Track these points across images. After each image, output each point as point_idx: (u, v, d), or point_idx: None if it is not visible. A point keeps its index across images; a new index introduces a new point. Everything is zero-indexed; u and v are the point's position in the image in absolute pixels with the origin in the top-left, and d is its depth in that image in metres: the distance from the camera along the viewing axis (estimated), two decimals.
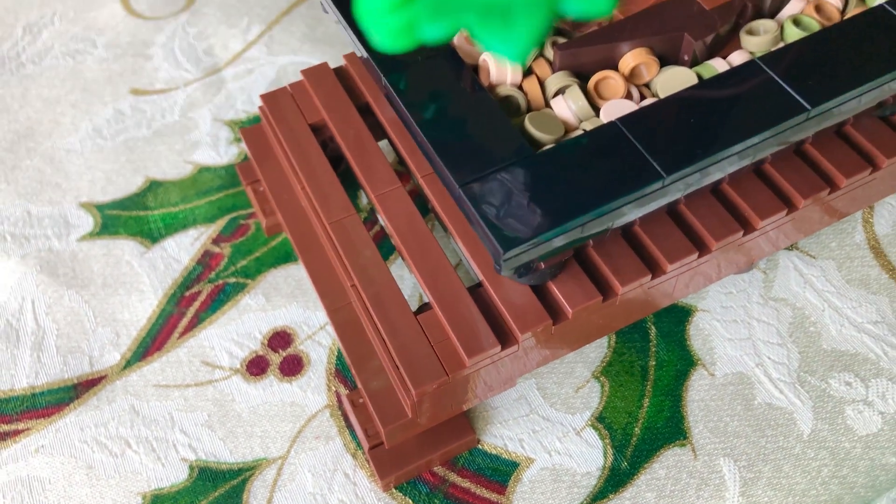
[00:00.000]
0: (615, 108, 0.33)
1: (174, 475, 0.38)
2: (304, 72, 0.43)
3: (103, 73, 0.54)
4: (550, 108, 0.34)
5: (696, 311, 0.42)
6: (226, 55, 0.54)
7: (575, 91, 0.33)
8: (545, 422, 0.39)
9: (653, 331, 0.42)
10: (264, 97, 0.43)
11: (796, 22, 0.35)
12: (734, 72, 0.33)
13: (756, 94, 0.32)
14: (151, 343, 0.42)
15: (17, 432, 0.39)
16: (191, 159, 0.49)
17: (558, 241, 0.30)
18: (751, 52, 0.35)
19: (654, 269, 0.36)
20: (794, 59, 0.33)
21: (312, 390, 0.40)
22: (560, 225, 0.30)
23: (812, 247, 0.44)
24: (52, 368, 0.41)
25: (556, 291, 0.35)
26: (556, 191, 0.30)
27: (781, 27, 0.35)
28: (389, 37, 0.16)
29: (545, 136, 0.32)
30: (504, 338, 0.35)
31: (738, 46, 0.35)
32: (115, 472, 0.38)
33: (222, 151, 0.49)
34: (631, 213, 0.32)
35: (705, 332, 0.41)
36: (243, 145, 0.49)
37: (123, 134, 0.51)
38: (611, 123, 0.31)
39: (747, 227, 0.37)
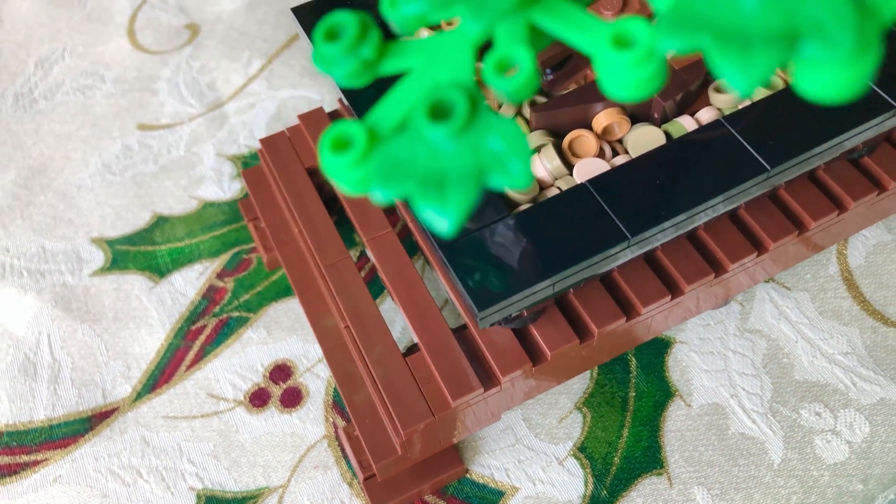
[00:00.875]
0: (587, 168, 0.35)
1: (183, 503, 0.41)
2: (300, 116, 0.45)
3: (112, 108, 0.57)
4: None
5: (675, 342, 0.44)
6: (228, 89, 0.57)
7: (549, 150, 0.35)
8: (530, 451, 0.41)
9: (633, 362, 0.44)
10: (263, 142, 0.45)
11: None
12: (699, 131, 0.35)
13: (719, 153, 0.34)
14: (160, 376, 0.45)
15: (36, 462, 0.42)
16: (196, 194, 0.52)
17: (532, 299, 0.33)
18: (718, 109, 0.37)
19: (629, 312, 0.38)
20: (756, 117, 0.35)
21: (311, 421, 0.43)
22: (532, 285, 0.32)
23: (788, 278, 0.46)
24: (67, 401, 0.44)
25: (536, 334, 0.38)
26: (529, 251, 0.33)
27: None
28: (350, 187, 0.18)
29: (521, 197, 0.34)
30: (487, 379, 0.37)
31: (707, 102, 0.37)
32: (127, 500, 0.41)
33: (226, 187, 0.52)
34: (603, 268, 0.34)
35: (683, 364, 0.44)
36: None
37: (131, 169, 0.53)
38: (581, 185, 0.33)
39: (718, 270, 0.39)
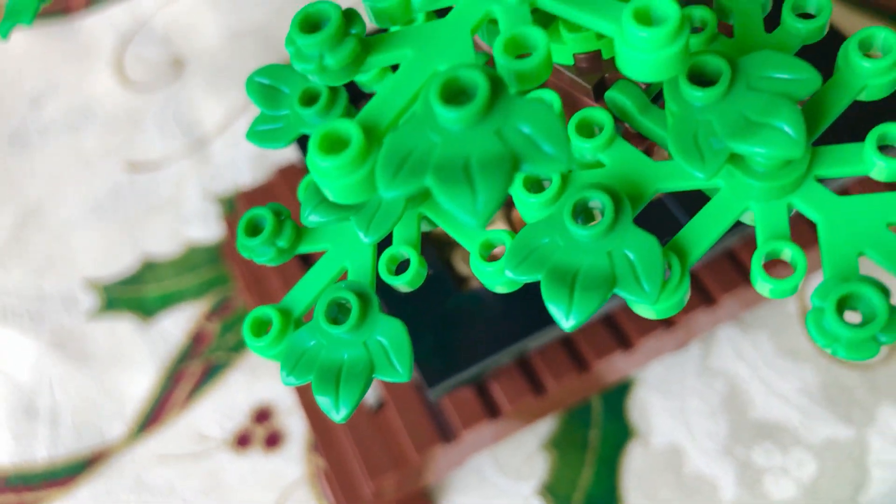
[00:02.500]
0: None
1: None
2: (279, 171, 0.47)
3: (102, 146, 0.59)
4: None
5: (636, 383, 0.46)
6: (213, 127, 0.59)
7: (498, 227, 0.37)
8: (497, 490, 0.44)
9: (596, 402, 0.46)
10: (240, 198, 0.47)
11: None
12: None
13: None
14: (152, 416, 0.48)
15: (38, 500, 0.46)
16: (183, 235, 0.54)
17: (485, 368, 0.35)
18: None
19: (584, 366, 0.40)
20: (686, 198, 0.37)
21: (293, 461, 0.46)
22: (477, 362, 0.34)
23: (747, 316, 0.48)
24: (67, 441, 0.47)
25: (496, 389, 0.40)
26: (475, 329, 0.35)
27: None
28: (344, 195, 0.16)
29: (469, 271, 0.36)
30: (448, 434, 0.40)
31: None
32: None
33: (211, 227, 0.54)
34: (550, 338, 0.36)
35: (643, 404, 0.46)
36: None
37: (122, 210, 0.55)
38: None
39: (670, 324, 0.41)
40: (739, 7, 0.19)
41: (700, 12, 0.19)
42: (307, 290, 0.21)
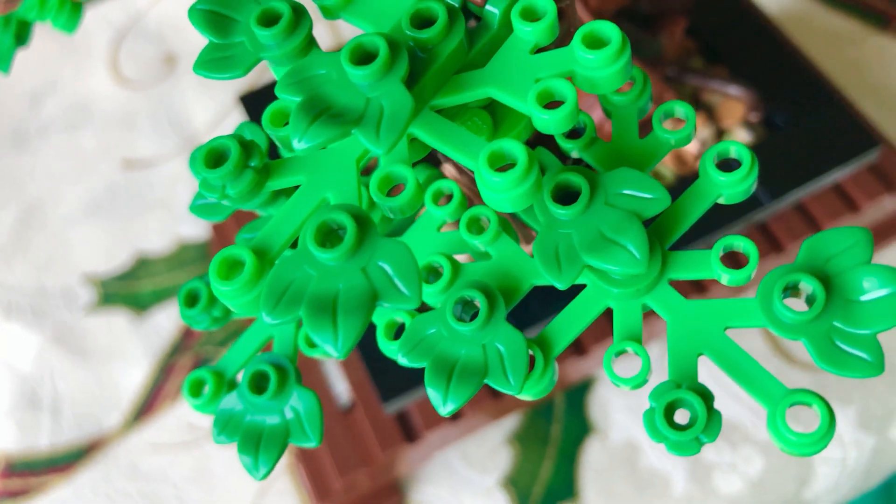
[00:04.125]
0: None
1: None
2: None
3: (99, 145, 0.61)
4: None
5: (598, 381, 0.49)
6: (203, 126, 0.61)
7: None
8: (463, 481, 0.47)
9: (559, 398, 0.49)
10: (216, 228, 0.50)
11: (652, 174, 0.40)
12: None
13: None
14: (146, 407, 0.51)
15: (42, 485, 0.50)
16: (175, 232, 0.57)
17: None
18: None
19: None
20: None
21: None
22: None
23: None
24: (68, 431, 0.51)
25: None
26: None
27: None
28: (241, 311, 0.18)
29: None
30: (412, 434, 0.43)
31: None
32: None
33: (202, 225, 0.57)
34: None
35: (604, 401, 0.48)
36: None
37: (118, 208, 0.58)
38: None
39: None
40: (617, 112, 0.21)
41: (582, 116, 0.21)
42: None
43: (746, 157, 0.19)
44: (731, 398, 0.47)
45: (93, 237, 0.58)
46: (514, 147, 0.17)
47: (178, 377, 0.52)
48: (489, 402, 0.43)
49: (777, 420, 0.18)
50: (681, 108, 0.20)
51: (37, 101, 0.64)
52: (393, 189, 0.19)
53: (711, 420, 0.18)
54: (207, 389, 0.23)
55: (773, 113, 0.41)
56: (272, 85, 0.45)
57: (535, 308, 0.38)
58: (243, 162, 0.18)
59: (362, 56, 0.18)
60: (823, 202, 0.44)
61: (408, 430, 0.43)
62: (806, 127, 0.40)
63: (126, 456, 0.50)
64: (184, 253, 0.56)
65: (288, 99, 0.18)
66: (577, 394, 0.49)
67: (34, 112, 0.64)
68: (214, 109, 0.62)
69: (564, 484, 0.47)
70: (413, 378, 0.38)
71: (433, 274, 0.21)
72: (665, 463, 0.46)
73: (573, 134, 0.21)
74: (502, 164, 0.17)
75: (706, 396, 0.18)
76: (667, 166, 0.41)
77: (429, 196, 0.22)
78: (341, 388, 0.47)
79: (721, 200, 0.20)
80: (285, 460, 0.49)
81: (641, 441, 0.47)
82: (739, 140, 0.41)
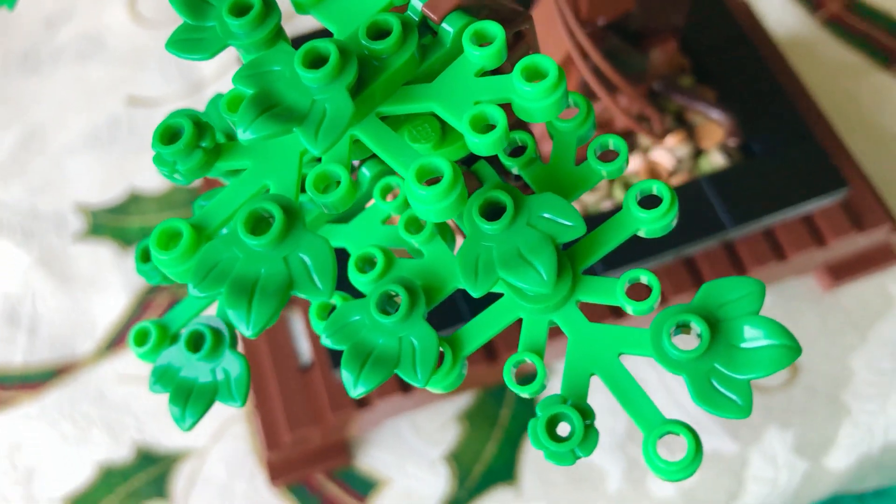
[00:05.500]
0: None
1: (124, 453, 0.50)
2: None
3: (107, 77, 0.63)
4: None
5: (555, 373, 0.51)
6: (210, 74, 0.62)
7: None
8: (410, 450, 0.49)
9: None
10: None
11: (624, 184, 0.41)
12: None
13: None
14: (118, 339, 0.53)
15: (11, 399, 0.52)
16: None
17: None
18: (584, 203, 0.42)
19: (494, 356, 0.45)
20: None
21: None
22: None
23: None
24: (42, 351, 0.53)
25: None
26: None
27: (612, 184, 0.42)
28: (177, 278, 0.19)
29: None
30: (364, 400, 0.44)
31: None
32: (80, 441, 0.50)
33: None
34: None
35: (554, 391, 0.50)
36: None
37: (117, 143, 0.60)
38: None
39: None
40: (558, 136, 0.23)
41: (521, 136, 0.22)
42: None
43: (667, 196, 0.20)
44: (676, 406, 0.49)
45: (89, 168, 0.59)
46: (442, 163, 0.18)
47: (153, 313, 0.54)
48: None
49: (649, 445, 0.20)
50: (614, 142, 0.21)
51: (51, 27, 0.65)
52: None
53: (588, 437, 0.20)
54: (151, 340, 0.25)
55: (751, 140, 0.42)
56: None
57: (464, 309, 0.39)
58: (195, 142, 0.19)
59: (315, 59, 0.19)
60: (792, 232, 0.45)
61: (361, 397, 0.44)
62: (780, 158, 0.41)
63: (94, 383, 0.52)
64: (175, 195, 0.58)
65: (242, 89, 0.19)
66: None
67: (48, 37, 0.65)
68: (221, 59, 0.63)
69: (505, 467, 0.48)
70: None
71: (368, 264, 0.22)
72: (603, 460, 0.48)
73: (516, 152, 0.22)
74: (430, 178, 0.19)
75: (587, 414, 0.20)
76: (640, 179, 0.42)
77: (377, 190, 0.23)
78: (305, 346, 0.49)
79: (642, 234, 0.21)
80: (245, 408, 0.51)
81: None
82: (714, 163, 0.43)
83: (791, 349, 0.18)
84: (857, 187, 0.46)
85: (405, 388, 0.44)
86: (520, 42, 0.23)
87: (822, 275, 0.51)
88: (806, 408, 0.49)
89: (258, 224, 0.18)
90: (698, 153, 0.43)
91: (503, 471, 0.48)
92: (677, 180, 0.42)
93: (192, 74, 0.62)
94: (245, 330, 0.17)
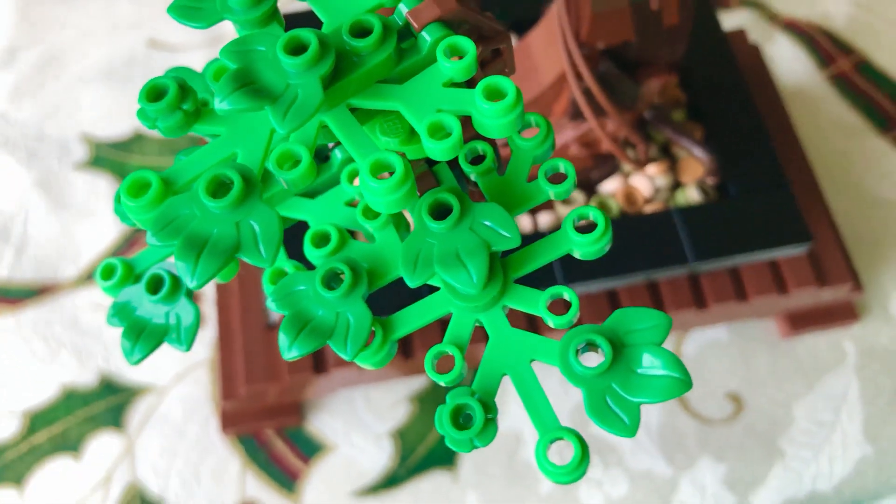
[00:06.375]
0: None
1: (88, 378, 0.52)
2: None
3: (133, 16, 0.64)
4: None
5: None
6: (231, 28, 0.63)
7: None
8: (359, 422, 0.51)
9: (470, 376, 0.52)
10: None
11: (600, 203, 0.43)
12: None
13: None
14: None
15: None
16: None
17: None
18: (559, 216, 0.43)
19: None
20: None
21: (203, 344, 0.53)
22: None
23: None
24: (26, 269, 0.55)
25: None
26: None
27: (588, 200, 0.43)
28: (144, 226, 0.21)
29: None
30: (321, 366, 0.46)
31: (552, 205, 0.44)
32: (50, 362, 0.52)
33: None
34: None
35: (505, 390, 0.52)
36: None
37: (131, 81, 0.61)
38: None
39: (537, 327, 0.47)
40: (516, 153, 0.24)
41: (483, 146, 0.24)
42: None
43: (601, 223, 0.22)
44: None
45: (100, 100, 0.61)
46: (395, 160, 0.20)
47: (139, 250, 0.55)
48: (400, 360, 0.46)
49: (541, 448, 0.21)
50: (563, 166, 0.23)
51: None
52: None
53: (486, 429, 0.21)
54: (116, 276, 0.26)
55: (728, 182, 0.43)
56: (303, 7, 0.48)
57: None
58: (177, 103, 0.21)
59: (297, 47, 0.21)
60: (756, 275, 0.47)
61: (319, 362, 0.46)
62: (751, 203, 0.42)
63: (70, 308, 0.54)
64: (179, 140, 0.59)
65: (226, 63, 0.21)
66: None
67: None
68: None
69: (446, 453, 0.50)
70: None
71: (323, 240, 0.24)
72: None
73: (477, 160, 0.24)
74: (383, 172, 0.20)
75: (489, 409, 0.22)
76: (616, 202, 0.43)
77: (345, 174, 0.25)
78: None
79: (577, 255, 0.23)
80: (208, 355, 0.53)
81: (527, 436, 0.51)
82: (689, 198, 0.44)
83: (683, 382, 0.20)
84: (827, 243, 0.48)
85: None
86: (497, 59, 0.24)
87: (782, 321, 0.52)
88: (743, 445, 0.51)
89: (219, 188, 0.20)
90: (677, 185, 0.45)
91: (444, 456, 0.50)
92: (651, 208, 0.43)
93: (216, 26, 0.64)
94: (189, 282, 0.19)
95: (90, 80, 0.62)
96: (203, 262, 0.19)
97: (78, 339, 0.53)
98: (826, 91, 0.61)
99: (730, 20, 0.64)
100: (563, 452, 0.22)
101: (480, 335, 0.24)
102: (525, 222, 0.43)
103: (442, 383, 0.23)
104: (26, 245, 0.56)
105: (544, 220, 0.43)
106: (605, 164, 0.43)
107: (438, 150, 0.20)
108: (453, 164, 0.25)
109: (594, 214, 0.22)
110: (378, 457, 0.50)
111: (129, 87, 0.61)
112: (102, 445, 0.50)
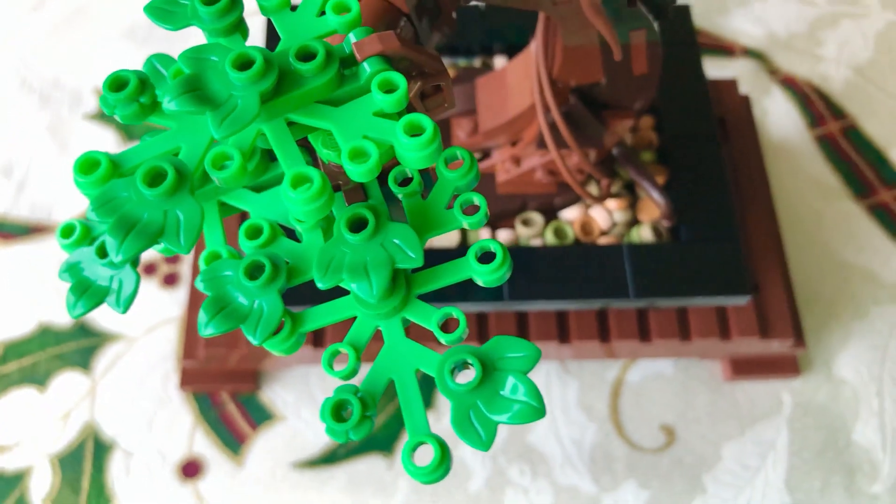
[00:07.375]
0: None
1: (66, 320, 0.55)
2: None
3: None
4: None
5: None
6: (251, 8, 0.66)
7: None
8: (310, 398, 0.54)
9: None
10: None
11: (557, 228, 0.45)
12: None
13: None
14: None
15: None
16: None
17: None
18: (518, 235, 0.46)
19: None
20: (528, 258, 0.44)
21: (177, 304, 0.56)
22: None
23: (573, 365, 0.55)
24: (22, 208, 0.58)
25: (329, 327, 0.49)
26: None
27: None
28: (90, 199, 0.26)
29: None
30: None
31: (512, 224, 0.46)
32: (37, 297, 0.55)
33: None
34: None
35: None
36: None
37: (149, 44, 0.64)
38: None
39: None
40: (441, 179, 0.27)
41: (413, 170, 0.26)
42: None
43: (499, 256, 0.24)
44: (553, 436, 0.53)
45: (118, 58, 0.64)
46: (315, 175, 0.22)
47: None
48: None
49: (408, 448, 0.24)
50: (477, 199, 0.25)
51: None
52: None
53: (362, 424, 0.24)
54: (74, 236, 0.29)
55: (681, 226, 0.45)
56: None
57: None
58: (135, 95, 0.24)
59: (244, 62, 0.23)
60: (702, 318, 0.49)
61: None
62: (700, 250, 0.44)
63: (60, 253, 0.57)
64: None
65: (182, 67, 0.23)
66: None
67: None
68: None
69: (387, 439, 0.53)
70: (298, 291, 0.44)
71: (255, 233, 0.27)
72: (475, 461, 0.53)
73: (405, 182, 0.26)
74: (304, 184, 0.23)
75: (367, 407, 0.24)
76: (573, 229, 0.46)
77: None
78: None
79: (479, 282, 0.25)
80: (180, 313, 0.55)
81: None
82: (643, 236, 0.46)
83: (537, 410, 0.23)
84: (777, 297, 0.50)
85: (316, 342, 0.49)
86: (437, 93, 0.27)
87: (727, 365, 0.54)
88: (668, 475, 0.53)
89: (156, 178, 0.22)
90: (635, 222, 0.47)
91: (384, 442, 0.53)
92: (605, 240, 0.46)
93: None
94: (114, 256, 0.22)
95: (111, 38, 0.64)
96: (129, 241, 0.22)
97: (63, 287, 0.56)
98: (811, 150, 0.63)
99: (729, 68, 0.66)
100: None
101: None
102: (486, 237, 0.46)
103: (336, 378, 0.25)
104: (26, 185, 0.59)
105: (504, 236, 0.46)
106: (569, 192, 0.45)
107: (356, 173, 0.23)
108: (383, 183, 0.27)
109: (494, 247, 0.25)
110: (322, 433, 0.53)
111: (147, 50, 0.64)
112: (67, 383, 0.53)
